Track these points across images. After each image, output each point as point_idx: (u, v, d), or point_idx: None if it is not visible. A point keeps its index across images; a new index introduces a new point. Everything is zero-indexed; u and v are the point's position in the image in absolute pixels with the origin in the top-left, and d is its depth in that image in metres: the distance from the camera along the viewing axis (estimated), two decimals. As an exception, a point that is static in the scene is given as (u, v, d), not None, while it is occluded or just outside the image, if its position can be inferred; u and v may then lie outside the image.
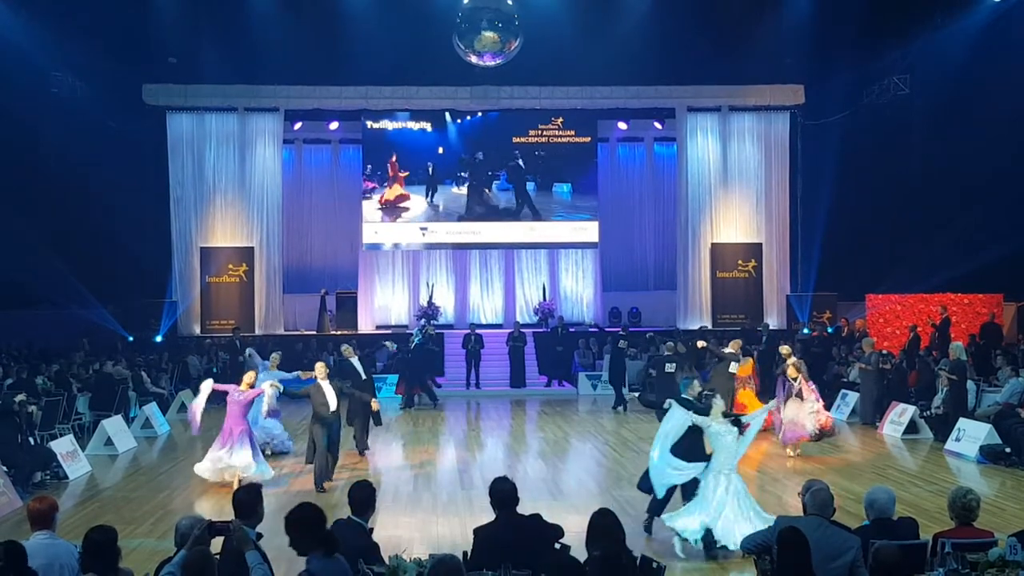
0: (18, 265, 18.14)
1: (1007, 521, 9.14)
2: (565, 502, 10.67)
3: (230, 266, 23.91)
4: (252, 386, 11.70)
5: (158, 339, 22.47)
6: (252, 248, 23.96)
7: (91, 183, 20.57)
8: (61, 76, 20.89)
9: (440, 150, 24.64)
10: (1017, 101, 18.49)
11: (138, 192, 22.54)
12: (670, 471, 8.74)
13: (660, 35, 21.61)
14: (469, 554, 5.81)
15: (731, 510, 8.34)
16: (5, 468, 10.91)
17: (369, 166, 24.62)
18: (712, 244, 24.47)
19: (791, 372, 13.82)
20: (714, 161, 24.54)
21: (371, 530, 5.86)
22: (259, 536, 5.25)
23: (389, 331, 22.91)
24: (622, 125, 25.88)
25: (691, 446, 8.83)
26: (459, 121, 24.70)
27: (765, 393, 15.76)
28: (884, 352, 17.02)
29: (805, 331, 22.42)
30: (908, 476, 12.16)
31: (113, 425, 14.41)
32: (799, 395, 13.58)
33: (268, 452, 13.03)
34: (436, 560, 4.94)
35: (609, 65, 22.11)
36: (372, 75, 22.93)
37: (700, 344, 15.96)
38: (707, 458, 8.75)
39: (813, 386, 13.93)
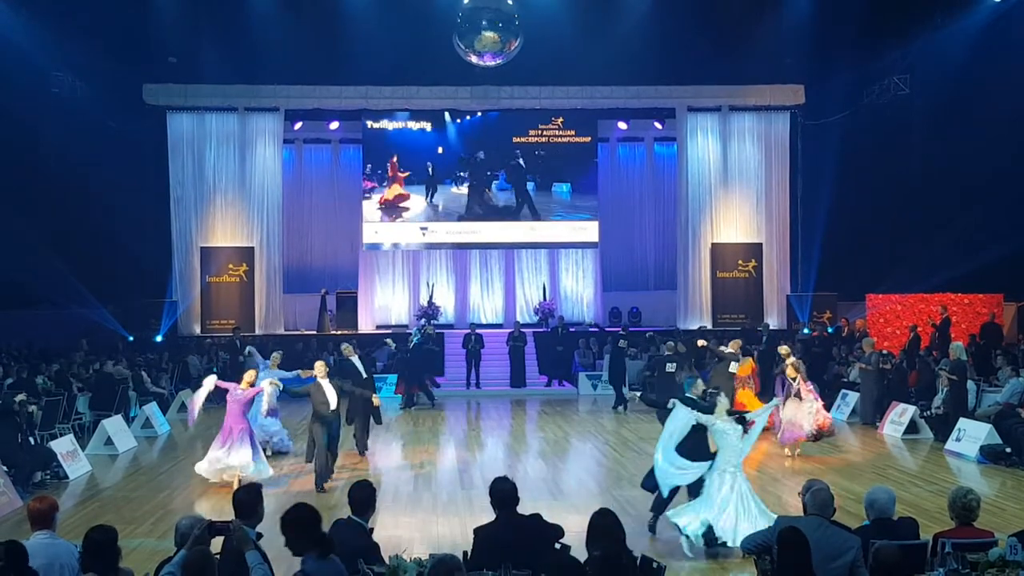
0: (18, 265, 18.14)
1: (1007, 521, 9.14)
2: (565, 502, 10.67)
3: (230, 266, 23.92)
4: (252, 385, 11.71)
5: (158, 339, 22.48)
6: (252, 248, 23.96)
7: (91, 183, 20.57)
8: (61, 76, 20.90)
9: (440, 150, 24.65)
10: (1017, 101, 18.49)
11: (138, 192, 22.54)
12: (674, 471, 8.74)
13: (660, 35, 21.61)
14: (469, 554, 5.81)
15: (734, 508, 8.35)
16: (5, 468, 10.91)
17: (369, 165, 24.62)
18: (712, 244, 24.47)
19: (790, 372, 13.82)
20: (714, 161, 24.54)
21: (371, 530, 5.86)
22: (259, 536, 5.25)
23: (389, 331, 22.90)
24: (622, 125, 25.89)
25: (695, 445, 8.84)
26: (458, 121, 24.70)
27: (765, 393, 15.78)
28: (884, 352, 17.02)
29: (805, 331, 22.41)
30: (908, 476, 12.16)
31: (113, 425, 14.41)
32: (797, 395, 13.58)
33: (269, 452, 13.03)
34: (436, 560, 4.94)
35: (609, 65, 22.11)
36: (372, 75, 22.92)
37: (700, 343, 15.96)
38: (711, 457, 8.75)
39: (811, 386, 13.93)
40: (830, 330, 22.11)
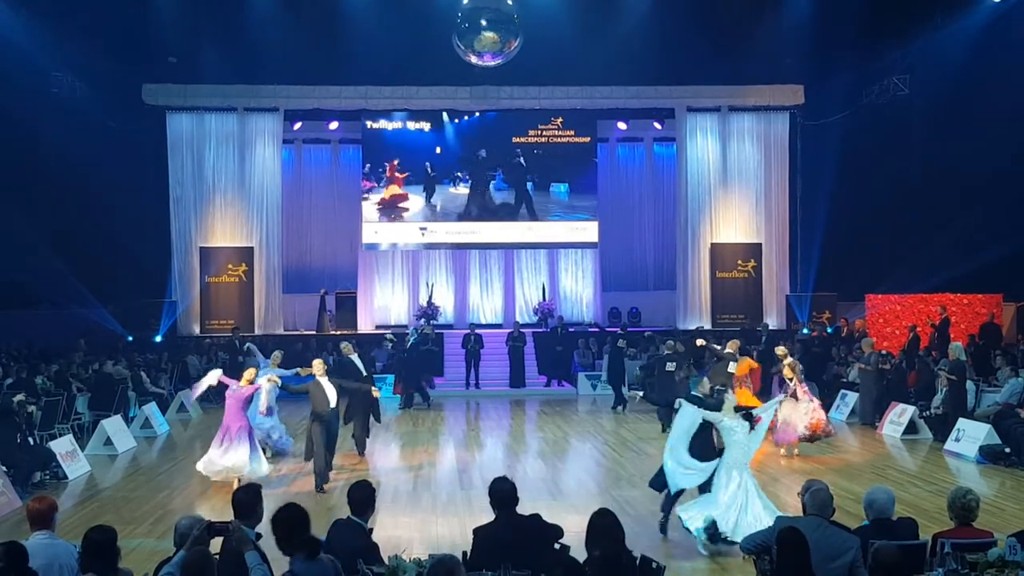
0: (18, 265, 18.14)
1: (1007, 521, 9.15)
2: (565, 502, 10.67)
3: (230, 266, 23.91)
4: (252, 382, 11.70)
5: (158, 339, 22.47)
6: (252, 248, 23.96)
7: (91, 183, 20.57)
8: (61, 76, 20.90)
9: (438, 150, 24.65)
10: (1017, 101, 18.49)
11: (138, 192, 22.54)
12: (682, 471, 8.74)
13: (660, 35, 21.60)
14: (469, 554, 5.81)
15: (740, 506, 8.35)
16: (5, 468, 10.91)
17: (368, 165, 24.62)
18: (712, 244, 24.47)
19: (786, 372, 13.82)
20: (714, 161, 24.54)
21: (371, 530, 5.86)
22: (258, 536, 5.25)
23: (389, 331, 22.89)
24: (622, 125, 25.88)
25: (702, 445, 8.85)
26: (456, 121, 24.69)
27: (763, 393, 15.78)
28: (884, 352, 17.02)
29: (805, 331, 22.41)
30: (908, 476, 12.16)
31: (112, 425, 14.41)
32: (794, 396, 13.58)
33: (269, 454, 13.01)
34: (435, 560, 4.94)
35: (609, 65, 22.10)
36: (372, 75, 22.92)
37: (699, 343, 15.97)
38: (718, 455, 8.75)
39: (806, 387, 13.93)
40: (829, 330, 22.12)
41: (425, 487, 11.76)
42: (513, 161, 24.57)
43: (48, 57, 19.69)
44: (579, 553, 5.41)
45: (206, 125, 23.94)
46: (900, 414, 15.23)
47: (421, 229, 24.62)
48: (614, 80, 23.36)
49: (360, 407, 13.59)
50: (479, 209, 24.63)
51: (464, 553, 5.75)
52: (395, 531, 9.21)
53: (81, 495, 11.53)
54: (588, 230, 24.84)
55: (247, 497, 5.41)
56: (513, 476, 7.29)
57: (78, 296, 20.25)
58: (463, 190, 24.61)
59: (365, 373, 14.14)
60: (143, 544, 8.83)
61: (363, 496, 5.88)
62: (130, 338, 21.95)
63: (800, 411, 13.42)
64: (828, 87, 22.96)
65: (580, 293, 25.56)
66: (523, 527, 5.96)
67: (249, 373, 11.85)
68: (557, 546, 5.74)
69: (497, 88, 23.56)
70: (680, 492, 8.99)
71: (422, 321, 22.56)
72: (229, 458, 11.13)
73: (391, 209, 24.49)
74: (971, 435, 13.21)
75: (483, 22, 19.77)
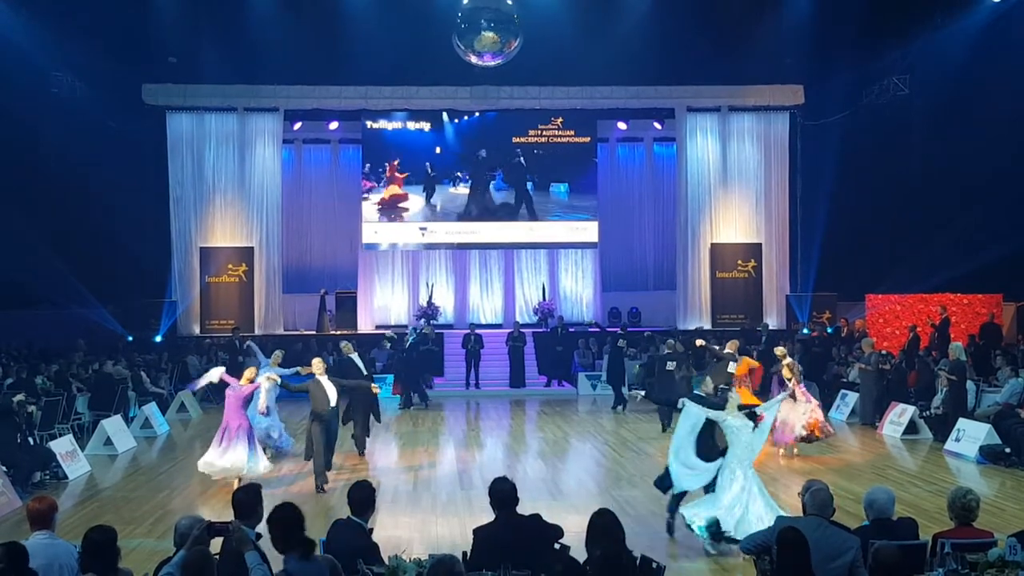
0: (18, 265, 18.13)
1: (1007, 521, 9.15)
2: (565, 502, 10.67)
3: (230, 266, 23.91)
4: (252, 381, 11.70)
5: (158, 339, 22.45)
6: (252, 248, 23.95)
7: (91, 183, 20.56)
8: (61, 76, 20.89)
9: (438, 150, 24.64)
10: (1017, 101, 18.48)
11: (138, 192, 22.53)
12: (687, 473, 8.73)
13: (660, 35, 21.59)
14: (469, 554, 5.81)
15: (744, 506, 8.34)
16: (4, 468, 10.91)
17: (368, 165, 24.61)
18: (712, 244, 24.46)
19: (785, 373, 13.80)
20: (714, 161, 24.53)
21: (371, 530, 5.87)
22: (259, 536, 5.25)
23: (388, 331, 22.87)
24: (622, 125, 25.87)
25: (705, 444, 8.84)
26: (456, 121, 24.68)
27: (763, 393, 15.77)
28: (884, 352, 17.02)
29: (805, 331, 22.41)
30: (908, 476, 12.17)
31: (112, 425, 14.41)
32: (792, 396, 13.57)
33: (269, 454, 13.01)
34: (435, 560, 4.95)
35: (609, 65, 22.09)
36: (372, 75, 22.91)
37: (699, 343, 15.97)
38: (722, 454, 8.74)
39: (804, 388, 13.92)
40: (829, 330, 22.11)
41: (425, 487, 11.76)
42: (513, 161, 24.57)
43: (48, 57, 19.68)
44: (579, 553, 5.41)
45: (206, 125, 23.93)
46: (900, 414, 15.23)
47: (421, 229, 24.61)
48: (614, 80, 23.35)
49: (360, 407, 13.59)
50: (479, 209, 24.63)
51: (464, 553, 5.75)
52: (395, 531, 9.21)
53: (81, 495, 11.53)
54: (588, 230, 24.84)
55: (247, 497, 5.41)
56: (513, 476, 7.29)
57: (78, 296, 20.24)
58: (463, 190, 24.61)
59: (365, 372, 14.14)
60: (143, 544, 8.83)
61: (363, 496, 5.88)
62: (130, 338, 21.94)
63: (798, 411, 13.40)
64: (828, 87, 22.95)
65: (580, 293, 25.56)
66: (523, 527, 5.95)
67: (249, 372, 11.84)
68: (557, 546, 5.75)
69: (497, 88, 23.56)
70: (684, 492, 8.99)
71: (422, 321, 22.55)
72: (227, 459, 11.13)
73: (391, 209, 24.48)
74: (971, 435, 13.21)
75: (483, 22, 19.77)
